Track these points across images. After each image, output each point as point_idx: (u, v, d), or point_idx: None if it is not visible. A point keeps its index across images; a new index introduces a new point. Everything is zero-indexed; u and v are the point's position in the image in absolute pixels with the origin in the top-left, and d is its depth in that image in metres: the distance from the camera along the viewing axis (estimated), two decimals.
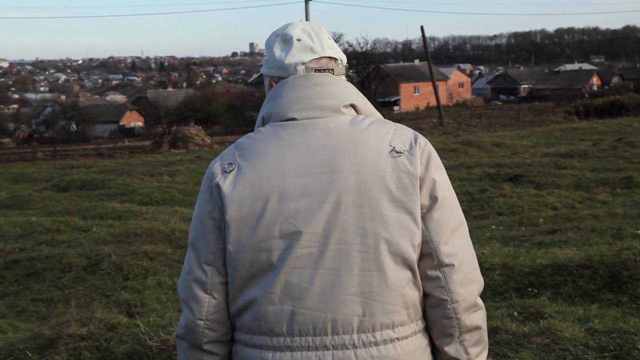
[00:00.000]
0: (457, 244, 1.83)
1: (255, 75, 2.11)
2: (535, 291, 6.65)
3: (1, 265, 9.31)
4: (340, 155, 1.80)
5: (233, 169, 1.83)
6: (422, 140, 1.87)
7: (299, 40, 1.93)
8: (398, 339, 1.79)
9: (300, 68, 1.92)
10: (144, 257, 9.17)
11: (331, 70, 1.94)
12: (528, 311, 5.60)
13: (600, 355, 4.28)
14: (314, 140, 1.82)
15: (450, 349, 1.85)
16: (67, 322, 6.02)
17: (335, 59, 1.96)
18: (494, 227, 11.23)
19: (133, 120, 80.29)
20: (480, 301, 1.89)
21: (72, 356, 5.41)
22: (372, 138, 1.82)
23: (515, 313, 5.61)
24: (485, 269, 7.39)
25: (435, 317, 1.83)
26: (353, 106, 1.91)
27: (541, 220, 11.34)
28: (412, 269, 1.79)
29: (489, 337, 4.71)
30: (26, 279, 8.85)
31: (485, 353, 1.94)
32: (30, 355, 5.32)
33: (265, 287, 1.78)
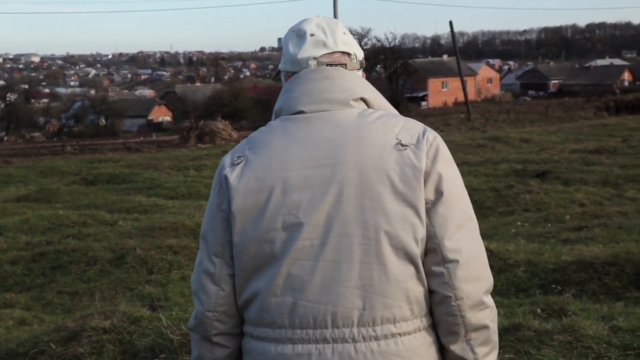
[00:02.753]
0: (463, 239, 1.79)
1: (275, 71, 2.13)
2: (560, 288, 6.59)
3: (28, 258, 9.41)
4: (344, 147, 1.80)
5: (241, 162, 1.85)
6: (432, 134, 1.85)
7: (312, 35, 1.94)
8: (400, 335, 1.76)
9: (312, 63, 1.93)
10: (168, 251, 9.22)
11: (344, 65, 1.94)
12: (551, 308, 5.55)
13: (623, 353, 4.23)
14: (319, 133, 1.83)
15: (456, 348, 1.81)
16: (90, 315, 6.07)
17: (349, 54, 1.96)
18: (519, 223, 11.15)
19: (161, 114, 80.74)
20: (488, 299, 1.84)
21: (95, 349, 5.46)
22: (378, 131, 1.82)
23: (539, 310, 5.57)
24: (509, 266, 7.34)
25: (440, 315, 1.80)
26: (364, 100, 1.91)
27: (568, 216, 11.24)
28: (415, 264, 1.77)
29: (510, 334, 4.69)
30: (52, 272, 8.94)
31: (494, 354, 1.88)
32: (54, 347, 5.37)
33: (268, 279, 1.79)
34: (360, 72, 2.01)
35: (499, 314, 5.60)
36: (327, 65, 1.93)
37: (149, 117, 78.25)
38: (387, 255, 1.75)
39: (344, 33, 1.97)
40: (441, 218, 1.78)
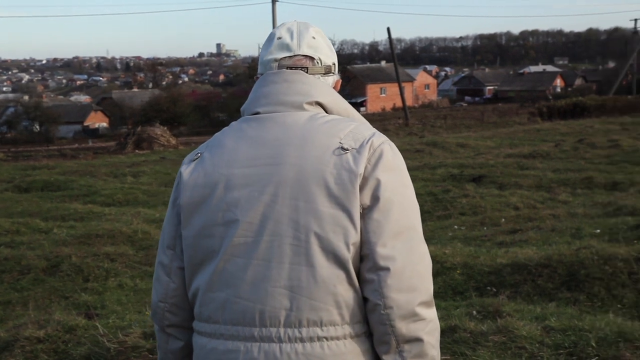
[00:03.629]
0: (398, 248, 1.75)
1: None
2: (495, 290, 6.71)
3: None
4: (287, 148, 1.81)
5: (197, 158, 1.91)
6: (378, 140, 1.84)
7: (279, 38, 1.98)
8: (326, 339, 1.74)
9: (274, 65, 1.96)
10: (105, 258, 9.08)
11: (305, 69, 1.95)
12: (487, 310, 5.65)
13: (555, 352, 4.33)
14: (268, 133, 1.85)
15: (389, 358, 1.77)
16: (24, 324, 5.94)
17: (312, 58, 1.98)
18: (456, 227, 11.30)
19: (98, 120, 79.50)
20: (424, 311, 1.78)
21: (29, 359, 5.35)
22: (323, 134, 1.81)
23: (474, 312, 5.65)
24: (446, 269, 7.44)
25: (373, 322, 1.77)
26: (320, 104, 1.92)
27: (503, 220, 11.44)
28: (345, 268, 1.74)
29: (447, 335, 4.76)
30: None
31: None
32: None
33: (208, 274, 1.82)
34: (332, 78, 2.03)
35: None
36: (288, 67, 1.95)
37: (85, 123, 76.95)
38: (317, 257, 1.73)
39: (313, 38, 1.99)
40: (375, 224, 1.75)
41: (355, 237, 1.74)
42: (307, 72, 1.95)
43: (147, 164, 24.96)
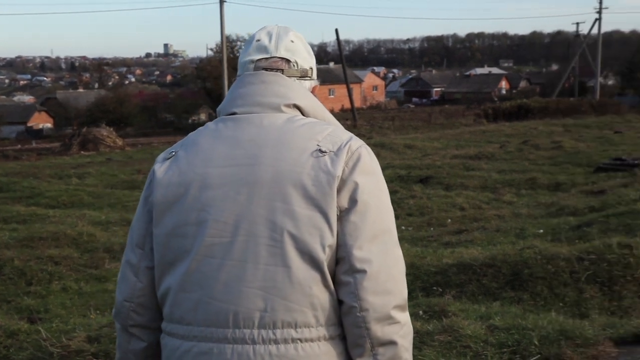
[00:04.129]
0: (374, 251, 1.75)
1: None
2: (441, 290, 6.78)
3: None
4: (263, 149, 1.80)
5: (172, 157, 1.88)
6: (356, 143, 1.85)
7: (258, 40, 1.99)
8: (300, 340, 1.73)
9: (251, 66, 1.97)
10: (49, 261, 8.93)
11: (280, 70, 1.95)
12: (433, 310, 5.71)
13: (499, 351, 4.40)
14: (244, 133, 1.84)
15: None
16: None
17: (289, 61, 1.98)
18: (403, 227, 11.40)
19: (42, 121, 77.98)
20: (399, 315, 1.78)
21: None
22: (300, 136, 1.81)
23: (421, 312, 5.71)
24: None
25: (347, 325, 1.77)
26: (298, 107, 1.92)
27: (449, 220, 11.58)
28: (320, 270, 1.73)
29: None
30: None
31: None
32: None
33: (180, 274, 1.79)
34: (309, 82, 2.03)
35: None
36: (264, 69, 1.95)
37: (29, 124, 75.37)
38: (292, 258, 1.72)
39: (292, 41, 2.00)
40: (352, 227, 1.75)
41: (331, 239, 1.74)
42: (282, 74, 1.95)
43: (93, 165, 24.62)
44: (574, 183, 14.89)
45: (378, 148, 25.71)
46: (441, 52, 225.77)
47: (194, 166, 1.82)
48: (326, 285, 1.74)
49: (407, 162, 20.10)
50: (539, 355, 4.28)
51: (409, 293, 6.70)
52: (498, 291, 6.58)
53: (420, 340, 4.70)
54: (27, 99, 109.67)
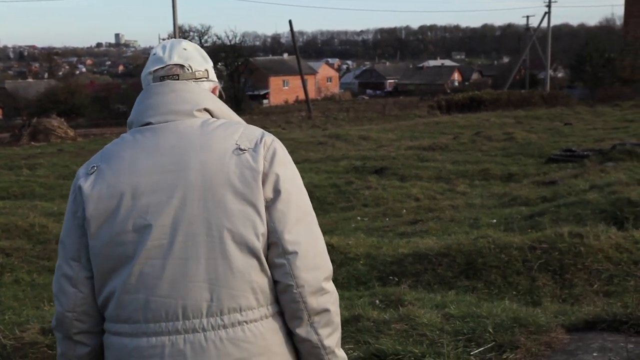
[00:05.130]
0: (301, 233, 1.95)
1: None
2: (397, 279, 6.85)
3: None
4: (188, 154, 1.94)
5: (94, 171, 1.99)
6: (269, 138, 2.02)
7: (154, 54, 2.15)
8: (246, 322, 1.91)
9: (149, 77, 2.11)
10: (0, 253, 8.79)
11: (176, 76, 2.09)
12: (389, 299, 5.76)
13: (454, 339, 4.46)
14: (164, 141, 1.97)
15: (301, 331, 1.98)
16: None
17: (182, 66, 2.11)
18: (359, 218, 11.47)
19: None
20: (328, 285, 2.01)
21: None
22: (219, 138, 1.97)
23: (377, 301, 5.76)
24: (349, 259, 7.55)
25: (285, 302, 1.96)
26: (208, 110, 2.07)
27: (404, 211, 11.68)
28: (257, 257, 1.92)
29: (350, 325, 4.84)
30: None
31: (337, 334, 2.06)
32: None
33: (123, 278, 1.92)
34: (208, 84, 2.16)
35: (340, 306, 5.75)
36: (161, 77, 2.09)
37: None
38: (231, 250, 1.90)
39: (185, 49, 2.15)
40: (280, 214, 1.94)
41: (262, 227, 1.92)
42: (178, 79, 2.09)
43: (44, 156, 24.20)
44: (526, 174, 15.13)
45: (333, 139, 25.77)
46: (394, 44, 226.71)
47: (121, 178, 1.93)
48: (263, 270, 1.93)
49: (362, 153, 20.19)
50: (494, 343, 4.35)
51: (365, 283, 6.76)
52: (453, 280, 6.67)
53: (377, 329, 4.75)
54: None
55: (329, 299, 2.01)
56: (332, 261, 6.21)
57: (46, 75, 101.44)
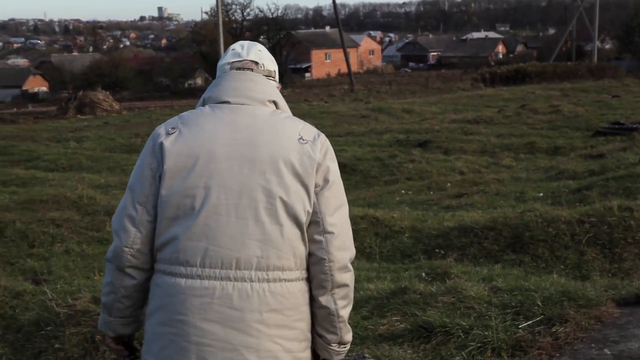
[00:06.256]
0: (339, 218, 2.35)
1: None
2: (443, 253, 6.83)
3: None
4: (260, 134, 2.32)
5: (175, 132, 2.33)
6: (324, 137, 2.42)
7: (233, 49, 2.56)
8: (285, 280, 2.28)
9: (227, 67, 2.50)
10: (50, 224, 8.95)
11: (250, 70, 2.49)
12: (435, 272, 5.75)
13: (502, 312, 4.43)
14: (241, 120, 2.35)
15: (323, 299, 2.36)
16: None
17: (257, 63, 2.51)
18: (403, 191, 11.44)
19: (37, 85, 77.52)
20: (350, 266, 2.39)
21: None
22: (287, 127, 2.37)
23: (423, 274, 5.76)
24: (394, 232, 7.54)
25: (315, 272, 2.34)
26: (274, 102, 2.46)
27: (449, 184, 11.62)
28: (301, 229, 2.30)
29: (397, 297, 4.85)
30: None
31: (349, 307, 2.44)
32: None
33: (187, 226, 2.25)
34: (274, 82, 2.55)
35: (385, 278, 5.75)
36: (237, 68, 2.48)
37: (24, 88, 74.98)
38: (283, 219, 2.27)
39: (259, 50, 2.56)
40: (325, 199, 2.32)
41: (309, 207, 2.30)
42: (252, 71, 2.48)
43: (90, 129, 24.55)
44: (573, 147, 14.91)
45: (376, 112, 25.68)
46: (437, 15, 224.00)
47: (200, 142, 2.30)
48: (304, 241, 2.31)
49: (405, 126, 20.09)
50: (543, 316, 4.32)
51: (411, 256, 6.75)
52: (499, 254, 6.63)
53: (424, 302, 4.74)
54: (22, 62, 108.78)
55: (350, 277, 2.39)
56: (377, 234, 6.29)
57: (91, 48, 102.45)
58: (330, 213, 2.32)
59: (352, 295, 2.43)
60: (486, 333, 4.02)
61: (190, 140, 2.30)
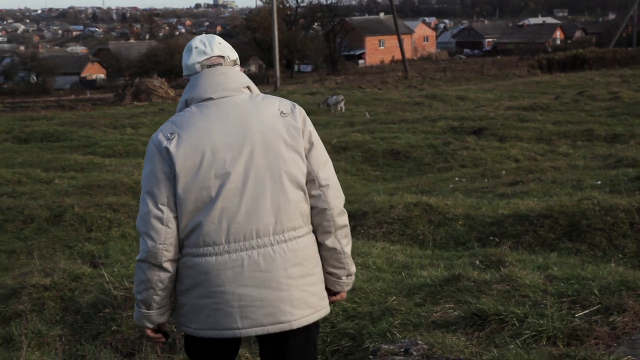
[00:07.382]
0: (328, 171, 2.77)
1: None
2: (497, 240, 6.76)
3: None
4: (248, 119, 2.69)
5: (175, 137, 2.65)
6: (298, 106, 2.80)
7: (196, 47, 2.84)
8: (299, 237, 2.71)
9: (198, 66, 2.81)
10: (107, 208, 9.12)
11: (219, 65, 2.81)
12: (489, 260, 5.69)
13: (558, 300, 4.36)
14: (228, 111, 2.70)
15: (329, 242, 2.79)
16: (30, 272, 5.99)
17: (223, 57, 2.84)
18: (457, 179, 11.34)
19: (95, 72, 78.90)
20: (344, 209, 2.80)
21: (36, 306, 5.40)
22: (266, 106, 2.74)
23: (477, 262, 5.70)
24: (448, 220, 7.48)
25: (319, 221, 2.77)
26: (248, 87, 2.82)
27: (504, 172, 11.47)
28: (303, 190, 2.72)
29: (450, 284, 4.82)
30: None
31: (350, 243, 2.88)
32: None
33: (207, 213, 2.62)
34: (238, 67, 2.88)
35: (438, 265, 5.71)
36: (208, 66, 2.79)
37: (82, 75, 76.35)
38: (287, 186, 2.67)
39: (220, 43, 2.87)
40: (314, 159, 2.74)
41: (305, 168, 2.71)
42: (221, 66, 2.79)
43: (146, 115, 24.89)
44: (633, 134, 14.58)
45: (430, 99, 25.47)
46: (493, 1, 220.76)
47: (201, 140, 2.62)
48: (306, 199, 2.73)
49: (459, 113, 19.87)
50: (600, 305, 4.23)
51: (465, 243, 6.71)
52: (555, 242, 6.53)
53: (478, 289, 4.70)
54: (80, 49, 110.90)
55: (346, 218, 2.82)
56: (430, 221, 6.27)
57: (147, 36, 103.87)
58: (321, 169, 2.74)
59: (350, 233, 2.86)
60: (541, 322, 3.95)
61: (191, 141, 2.63)
